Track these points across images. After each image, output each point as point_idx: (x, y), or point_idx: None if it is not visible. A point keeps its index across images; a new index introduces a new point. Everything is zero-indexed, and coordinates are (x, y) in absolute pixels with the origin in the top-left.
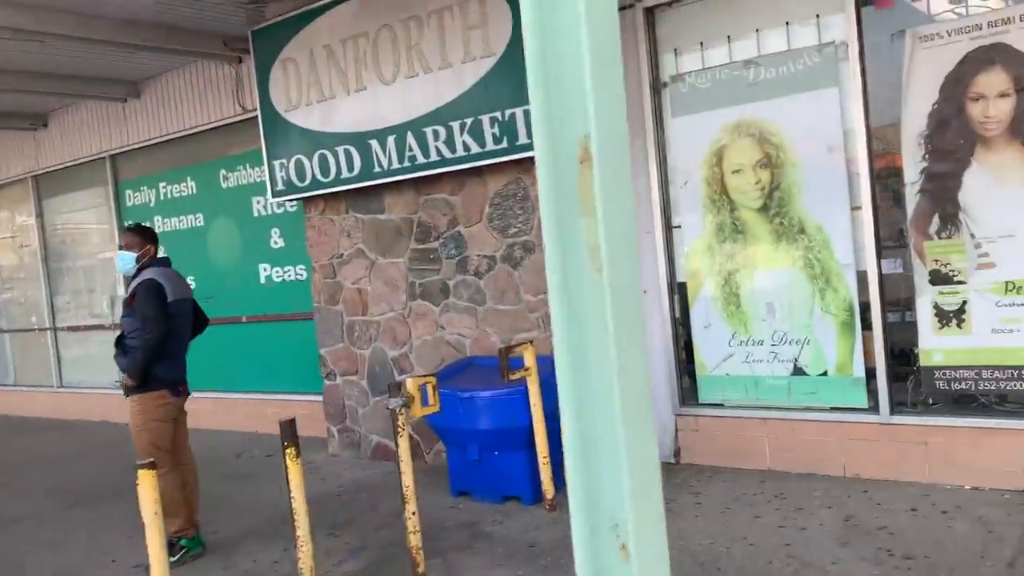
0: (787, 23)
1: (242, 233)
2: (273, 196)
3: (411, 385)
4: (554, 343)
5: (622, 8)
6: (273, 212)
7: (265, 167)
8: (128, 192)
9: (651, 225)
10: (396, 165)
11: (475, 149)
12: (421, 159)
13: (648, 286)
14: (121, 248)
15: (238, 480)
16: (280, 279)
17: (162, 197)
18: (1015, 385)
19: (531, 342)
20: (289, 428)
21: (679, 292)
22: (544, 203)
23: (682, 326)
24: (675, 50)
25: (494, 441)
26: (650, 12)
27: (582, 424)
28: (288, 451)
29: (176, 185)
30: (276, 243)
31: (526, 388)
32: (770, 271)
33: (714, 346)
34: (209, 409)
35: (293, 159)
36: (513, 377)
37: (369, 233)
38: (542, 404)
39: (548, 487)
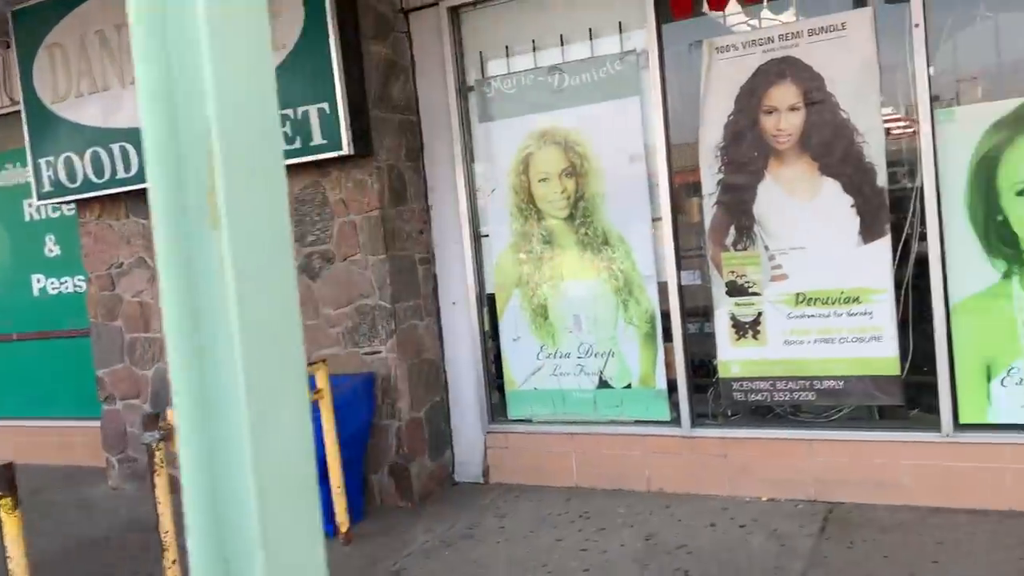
0: (590, 29)
1: (12, 239)
2: (39, 199)
3: (172, 415)
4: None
5: (426, 6)
6: (48, 216)
7: (30, 166)
8: None
9: (459, 235)
10: None
11: None
12: None
13: (457, 298)
14: None
15: None
16: (56, 291)
17: None
18: (807, 396)
19: (324, 361)
20: (4, 473)
21: (488, 304)
22: (160, 215)
23: (491, 339)
24: (480, 53)
25: None
26: (455, 12)
27: (215, 508)
28: (3, 502)
29: None
30: (51, 251)
31: (320, 412)
32: (576, 282)
33: (523, 360)
34: None
35: (62, 157)
36: None
37: (152, 240)
38: (336, 429)
39: (343, 519)
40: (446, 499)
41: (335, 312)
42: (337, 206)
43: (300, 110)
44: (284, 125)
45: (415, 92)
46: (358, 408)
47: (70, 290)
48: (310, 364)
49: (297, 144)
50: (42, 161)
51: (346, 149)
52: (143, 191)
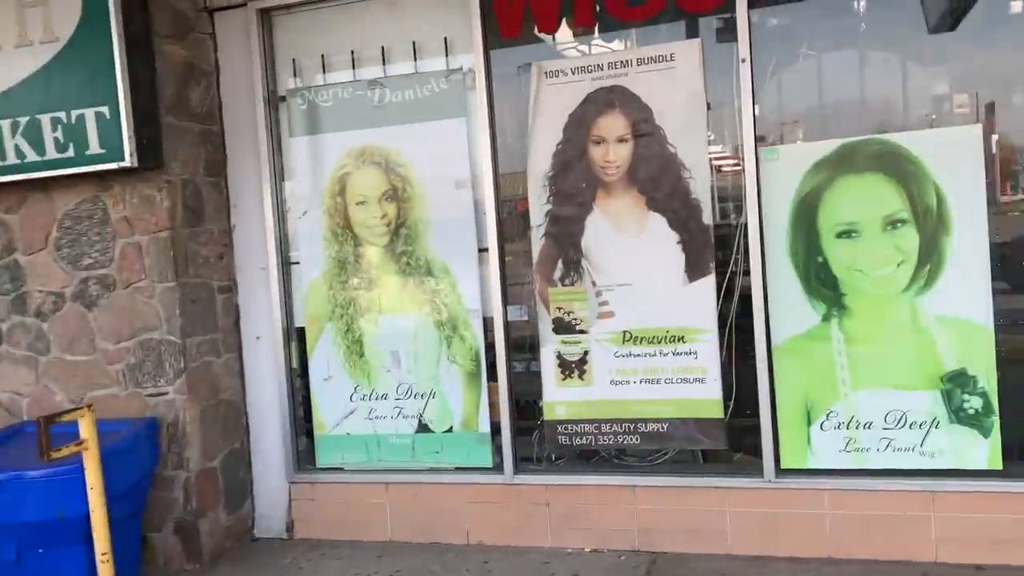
0: (414, 43)
1: None
2: None
3: None
4: None
5: (233, 7)
6: None
7: None
8: None
9: (265, 260)
10: None
11: (32, 157)
12: None
13: (261, 331)
14: None
15: None
16: None
17: None
18: (631, 439)
19: (89, 407)
20: None
21: (297, 338)
22: None
23: (300, 378)
24: (294, 61)
25: (39, 536)
26: (266, 15)
27: None
28: None
29: None
30: None
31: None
32: (396, 316)
33: (335, 401)
34: None
35: None
36: (57, 455)
37: None
38: (102, 486)
39: None
40: (242, 558)
41: (115, 347)
42: (120, 225)
43: (75, 113)
44: (55, 130)
45: (219, 100)
46: (137, 458)
47: None
48: (72, 411)
49: (70, 152)
50: None
51: (128, 160)
52: None
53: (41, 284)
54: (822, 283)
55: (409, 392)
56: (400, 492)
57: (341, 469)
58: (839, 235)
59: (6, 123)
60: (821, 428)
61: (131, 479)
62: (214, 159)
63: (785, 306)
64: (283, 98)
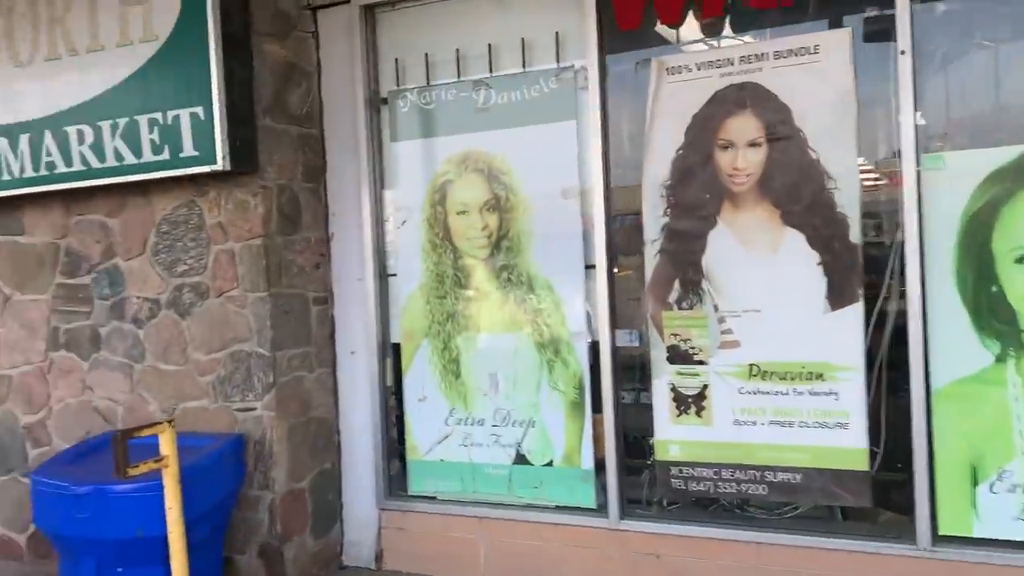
0: (523, 40)
1: None
2: None
3: None
4: None
5: (336, 3)
6: None
7: None
8: None
9: (362, 271)
10: (31, 173)
11: (130, 159)
12: (63, 167)
13: (356, 346)
14: None
15: None
16: None
17: None
18: (757, 489)
19: (169, 422)
20: None
21: (393, 355)
22: None
23: (395, 396)
24: (397, 60)
25: (120, 553)
26: (370, 11)
27: None
28: None
29: None
30: None
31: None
32: (495, 335)
33: (429, 424)
34: None
35: None
36: (134, 471)
37: (5, 260)
38: (180, 506)
39: None
40: None
41: (206, 358)
42: (214, 231)
43: (171, 114)
44: (152, 131)
45: (320, 102)
46: (221, 476)
47: None
48: (151, 425)
49: (165, 155)
50: None
51: (221, 163)
52: None
53: (138, 290)
54: (996, 316)
55: (507, 419)
56: (495, 528)
57: (433, 498)
58: (1019, 260)
59: (106, 124)
60: (991, 490)
61: (214, 498)
62: (313, 164)
63: (949, 342)
64: (385, 100)
